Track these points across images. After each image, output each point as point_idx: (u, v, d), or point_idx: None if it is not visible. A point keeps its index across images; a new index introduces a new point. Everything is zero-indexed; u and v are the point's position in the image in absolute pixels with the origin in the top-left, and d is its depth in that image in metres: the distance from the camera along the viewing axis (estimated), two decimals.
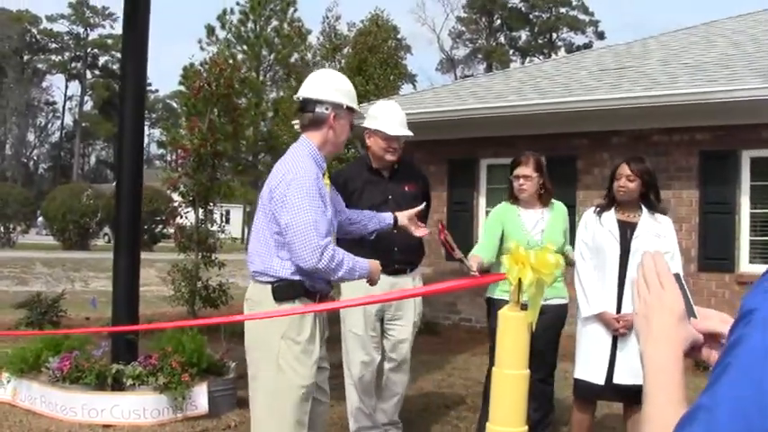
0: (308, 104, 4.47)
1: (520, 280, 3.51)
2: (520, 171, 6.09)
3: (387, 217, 5.06)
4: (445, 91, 15.49)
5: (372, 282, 4.58)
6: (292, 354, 4.30)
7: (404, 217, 5.06)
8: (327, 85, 4.49)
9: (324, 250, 4.18)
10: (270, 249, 4.32)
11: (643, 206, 5.54)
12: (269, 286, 4.33)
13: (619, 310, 5.38)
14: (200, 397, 6.95)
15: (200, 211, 12.55)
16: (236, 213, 69.44)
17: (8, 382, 7.37)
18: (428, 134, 12.93)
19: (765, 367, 1.12)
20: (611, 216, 5.53)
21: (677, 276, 1.48)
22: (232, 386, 7.42)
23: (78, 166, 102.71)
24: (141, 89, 8.07)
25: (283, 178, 4.29)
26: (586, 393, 5.42)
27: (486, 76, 19.28)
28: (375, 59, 18.09)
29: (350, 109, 4.51)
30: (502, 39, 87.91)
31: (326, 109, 4.41)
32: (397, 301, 6.27)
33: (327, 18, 22.18)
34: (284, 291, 4.32)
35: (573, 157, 12.18)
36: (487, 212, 13.17)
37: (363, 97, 17.30)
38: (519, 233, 5.90)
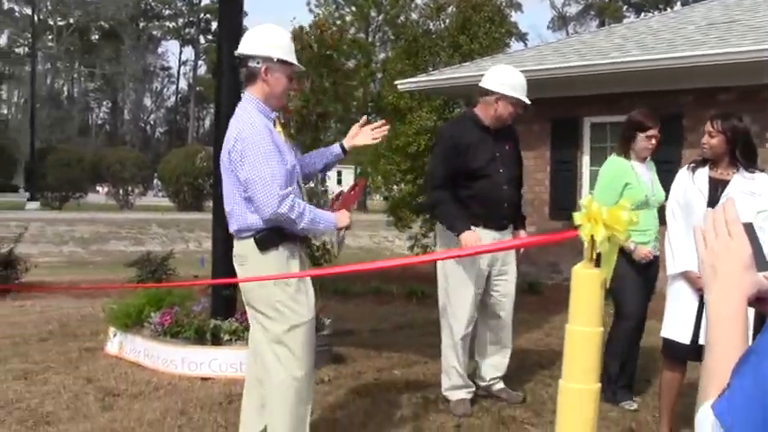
0: (242, 60, 4.60)
1: (592, 237, 3.49)
2: (655, 132, 6.33)
3: (333, 148, 5.09)
4: (548, 49, 15.29)
5: (340, 229, 4.70)
6: (287, 295, 4.48)
7: (350, 138, 5.04)
8: (258, 40, 4.56)
9: (283, 199, 4.32)
10: (242, 206, 4.46)
11: (737, 164, 5.37)
12: (251, 240, 4.48)
13: None
14: None
15: None
16: (348, 174, 69.99)
17: (114, 336, 7.65)
18: (531, 93, 12.77)
19: None
20: (703, 173, 5.42)
21: (748, 225, 1.46)
22: (327, 342, 7.55)
23: (193, 129, 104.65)
24: (236, 47, 8.18)
25: (238, 136, 4.42)
26: (673, 352, 5.37)
27: (591, 33, 18.96)
28: (479, 18, 17.91)
29: (284, 62, 4.55)
30: None
31: (257, 63, 4.51)
32: (503, 256, 6.38)
33: None
34: (265, 240, 4.47)
35: (678, 115, 11.91)
36: (592, 171, 13.08)
37: (468, 56, 17.23)
38: (642, 188, 6.15)
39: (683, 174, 5.56)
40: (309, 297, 4.59)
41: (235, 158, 4.40)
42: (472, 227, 6.04)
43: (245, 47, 4.57)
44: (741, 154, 5.32)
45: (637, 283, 6.15)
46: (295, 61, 4.62)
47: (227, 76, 7.78)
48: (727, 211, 1.46)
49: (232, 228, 4.56)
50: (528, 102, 6.26)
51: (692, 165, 5.53)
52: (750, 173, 5.31)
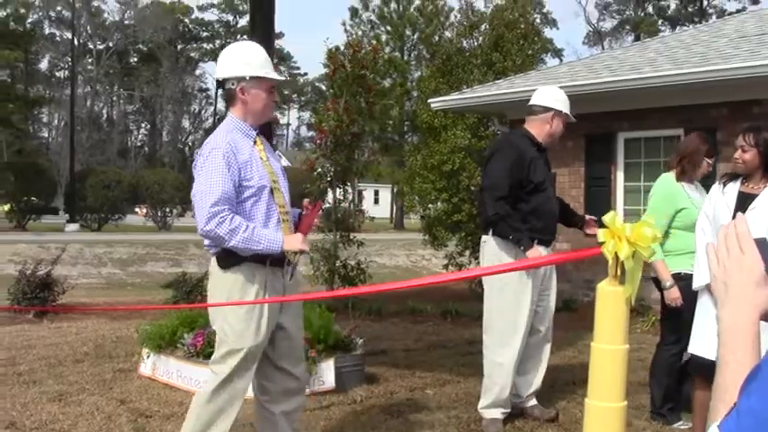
0: (219, 85, 4.67)
1: (616, 254, 3.47)
2: (710, 154, 6.46)
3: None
4: (580, 65, 15.27)
5: (294, 251, 4.56)
6: (236, 317, 4.46)
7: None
8: (228, 61, 4.61)
9: (213, 216, 4.26)
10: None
11: None
12: (214, 257, 4.52)
13: None
14: (327, 373, 7.10)
15: (338, 190, 12.76)
16: (385, 193, 70.13)
17: (148, 357, 7.69)
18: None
19: None
20: (734, 188, 5.36)
21: (761, 241, 1.45)
22: (360, 362, 7.56)
23: None
24: None
25: (200, 153, 4.50)
26: (702, 369, 5.29)
27: (623, 48, 18.94)
28: (512, 35, 17.91)
29: (258, 77, 4.57)
30: (650, 8, 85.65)
31: (232, 84, 4.56)
32: (549, 272, 6.50)
33: None
34: (225, 258, 4.47)
35: (713, 129, 11.80)
36: (626, 187, 13.01)
37: (501, 74, 17.21)
38: (696, 210, 5.98)
39: (714, 188, 5.53)
40: (261, 324, 4.47)
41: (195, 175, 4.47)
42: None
43: (218, 71, 4.62)
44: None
45: (685, 311, 6.06)
46: (270, 74, 4.63)
47: None
48: (738, 226, 1.45)
49: (206, 242, 4.57)
50: (574, 119, 6.55)
51: (724, 179, 5.49)
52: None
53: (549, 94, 6.53)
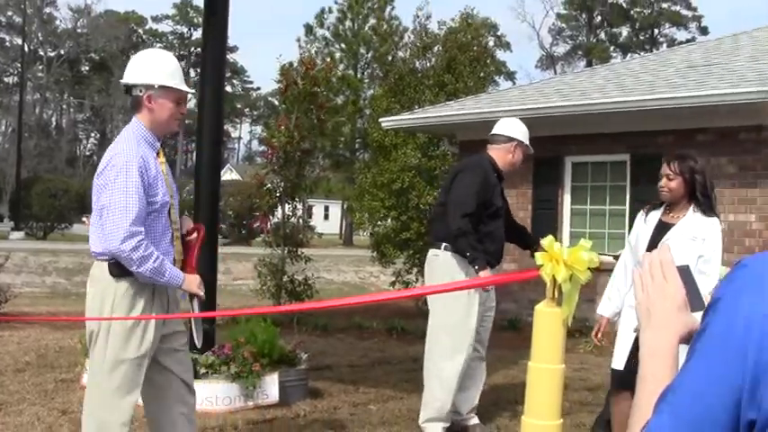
0: (128, 89, 4.54)
1: (554, 276, 3.57)
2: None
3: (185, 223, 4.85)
4: (531, 89, 15.47)
5: (191, 293, 4.57)
6: (122, 329, 4.37)
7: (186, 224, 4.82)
8: (139, 67, 4.52)
9: (130, 237, 4.20)
10: (101, 231, 4.34)
11: (692, 206, 5.33)
12: (106, 263, 4.35)
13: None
14: (271, 386, 7.14)
15: (287, 206, 12.79)
16: (335, 209, 70.14)
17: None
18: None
19: (724, 352, 1.19)
20: (655, 216, 5.44)
21: (684, 269, 1.52)
22: (304, 376, 7.61)
23: (181, 162, 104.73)
24: (220, 85, 8.26)
25: (108, 161, 4.35)
26: (621, 384, 5.37)
27: (573, 74, 19.20)
28: (465, 58, 18.09)
29: (167, 87, 4.49)
30: (602, 35, 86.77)
31: (140, 91, 4.46)
32: (493, 293, 6.65)
33: (418, 17, 22.18)
34: (118, 266, 4.33)
35: (658, 156, 12.01)
36: (573, 210, 13.21)
37: (453, 95, 17.36)
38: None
39: (638, 216, 5.63)
40: (146, 337, 4.39)
41: (100, 183, 4.33)
42: None
43: (128, 75, 4.52)
44: (701, 195, 5.31)
45: None
46: (180, 86, 4.54)
47: (209, 102, 7.85)
48: (661, 254, 1.52)
49: (92, 249, 4.43)
50: (532, 151, 6.80)
51: (647, 207, 5.59)
52: (697, 216, 5.29)
53: (511, 125, 6.73)
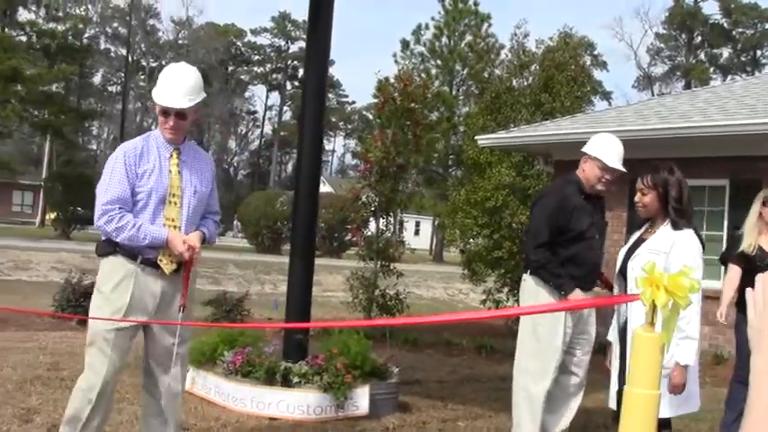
0: None
1: (653, 301, 3.57)
2: None
3: (201, 228, 5.12)
4: (629, 110, 15.35)
5: (178, 254, 4.81)
6: (95, 302, 4.93)
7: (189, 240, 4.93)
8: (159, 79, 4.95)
9: (104, 214, 4.71)
10: None
11: (668, 220, 5.14)
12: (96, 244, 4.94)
13: (623, 328, 5.29)
14: (361, 398, 7.23)
15: (382, 221, 12.89)
16: (426, 225, 70.18)
17: (187, 371, 7.85)
18: None
19: None
20: (637, 234, 5.37)
21: None
22: (394, 390, 7.69)
23: (275, 173, 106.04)
24: (321, 99, 8.36)
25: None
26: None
27: (672, 96, 18.96)
28: (562, 77, 18.01)
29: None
30: (702, 56, 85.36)
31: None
32: (586, 316, 6.53)
33: (516, 35, 22.16)
34: (101, 247, 4.91)
35: (757, 181, 11.85)
36: None
37: (549, 114, 17.31)
38: None
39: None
40: (118, 308, 4.79)
41: None
42: None
43: None
44: (674, 209, 5.12)
45: None
46: (160, 99, 4.85)
47: (310, 114, 8.00)
48: None
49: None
50: (616, 168, 6.22)
51: (639, 225, 5.48)
52: (671, 229, 5.10)
53: (591, 140, 6.43)
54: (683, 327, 4.76)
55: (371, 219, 13.04)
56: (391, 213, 12.94)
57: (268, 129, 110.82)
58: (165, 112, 4.86)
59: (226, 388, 7.37)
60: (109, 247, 4.83)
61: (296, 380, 7.22)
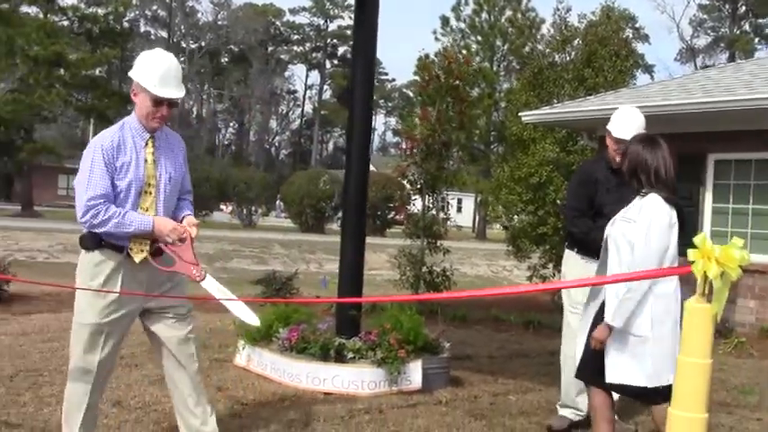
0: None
1: (705, 273, 3.66)
2: None
3: (181, 213, 5.19)
4: (673, 84, 15.28)
5: (161, 239, 4.86)
6: (84, 296, 4.91)
7: (186, 221, 5.11)
8: (136, 63, 4.92)
9: (88, 208, 4.69)
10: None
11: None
12: (80, 237, 4.94)
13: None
14: (414, 373, 7.37)
15: (428, 198, 13.00)
16: (468, 202, 70.12)
17: (243, 348, 8.04)
18: (655, 128, 12.79)
19: None
20: None
21: None
22: (446, 365, 7.81)
23: (317, 152, 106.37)
24: (370, 78, 8.42)
25: (89, 143, 4.91)
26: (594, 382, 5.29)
27: (717, 68, 18.80)
28: (605, 51, 17.98)
29: (143, 87, 4.86)
30: (746, 26, 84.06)
31: (134, 83, 4.90)
32: None
33: (558, 10, 22.09)
34: (85, 240, 4.89)
35: None
36: (714, 208, 13.03)
37: (593, 89, 17.30)
38: None
39: None
40: (106, 304, 4.87)
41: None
42: None
43: (132, 69, 4.95)
44: (644, 178, 5.07)
45: None
46: (155, 89, 4.83)
47: (359, 93, 8.10)
48: None
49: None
50: (620, 138, 6.18)
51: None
52: (641, 197, 5.08)
53: (612, 116, 6.46)
54: (623, 289, 4.86)
55: (417, 196, 13.14)
56: (437, 191, 13.04)
57: (308, 108, 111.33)
58: (159, 101, 4.86)
59: (281, 364, 7.53)
60: (92, 240, 4.86)
61: (350, 355, 7.38)
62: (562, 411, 6.71)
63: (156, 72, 4.83)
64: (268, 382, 7.51)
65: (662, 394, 4.92)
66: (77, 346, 4.94)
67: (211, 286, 5.17)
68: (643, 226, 4.90)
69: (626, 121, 6.31)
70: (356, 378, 7.22)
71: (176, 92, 4.90)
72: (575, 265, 6.61)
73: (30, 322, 10.33)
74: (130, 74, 4.92)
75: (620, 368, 4.97)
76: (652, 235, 4.88)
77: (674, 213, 5.00)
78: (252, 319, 5.31)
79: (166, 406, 6.53)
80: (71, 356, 5.00)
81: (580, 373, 5.36)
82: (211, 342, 9.33)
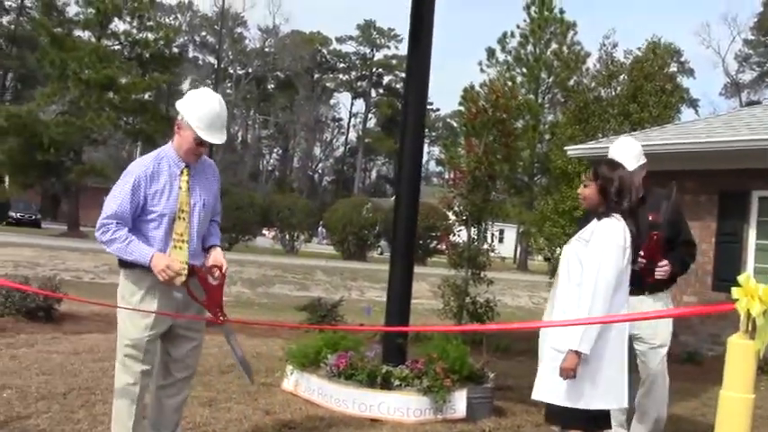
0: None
1: (749, 310, 3.79)
2: None
3: (208, 243, 5.43)
4: (718, 121, 15.34)
5: (160, 274, 4.99)
6: (125, 312, 5.16)
7: (213, 256, 5.33)
8: (186, 97, 5.14)
9: (101, 225, 4.99)
10: None
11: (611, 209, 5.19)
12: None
13: None
14: (459, 401, 7.50)
15: (473, 229, 13.11)
16: (510, 233, 69.98)
17: (291, 373, 8.22)
18: (699, 164, 12.97)
19: None
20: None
21: None
22: (489, 394, 7.93)
23: (359, 180, 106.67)
24: (422, 109, 8.64)
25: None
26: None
27: (762, 106, 18.79)
28: (651, 87, 18.09)
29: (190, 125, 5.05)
30: None
31: (180, 117, 5.09)
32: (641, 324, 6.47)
33: (604, 45, 22.23)
34: (121, 259, 5.10)
35: None
36: (758, 245, 13.06)
37: (638, 125, 17.43)
38: None
39: None
40: (143, 322, 5.11)
41: None
42: None
43: (179, 101, 5.16)
44: (614, 201, 5.15)
45: None
46: (202, 132, 5.03)
47: (411, 123, 8.28)
48: None
49: None
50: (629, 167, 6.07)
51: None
52: (598, 219, 5.15)
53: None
54: (578, 311, 4.93)
55: (462, 227, 13.26)
56: (483, 223, 13.14)
57: (353, 135, 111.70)
58: (201, 143, 5.09)
59: (329, 390, 7.68)
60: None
61: (396, 383, 7.52)
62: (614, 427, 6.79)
63: (205, 116, 5.05)
64: (315, 407, 7.66)
65: (592, 419, 5.12)
66: (121, 363, 5.21)
67: (228, 333, 5.48)
68: (596, 247, 5.00)
69: (619, 150, 6.52)
70: (402, 405, 7.36)
71: (220, 137, 5.13)
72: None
73: (80, 341, 10.55)
74: (178, 107, 5.12)
75: (552, 386, 5.12)
76: (605, 257, 4.96)
77: (627, 236, 5.10)
78: (249, 375, 5.82)
79: (216, 427, 6.74)
80: (116, 373, 5.27)
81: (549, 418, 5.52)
82: (258, 367, 9.47)
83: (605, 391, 5.10)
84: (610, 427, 5.36)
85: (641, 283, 6.19)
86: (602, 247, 4.99)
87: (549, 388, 5.15)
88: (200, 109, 5.05)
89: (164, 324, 5.21)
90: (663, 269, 6.26)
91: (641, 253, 6.08)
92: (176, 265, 5.00)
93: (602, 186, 5.14)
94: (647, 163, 6.60)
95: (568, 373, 4.92)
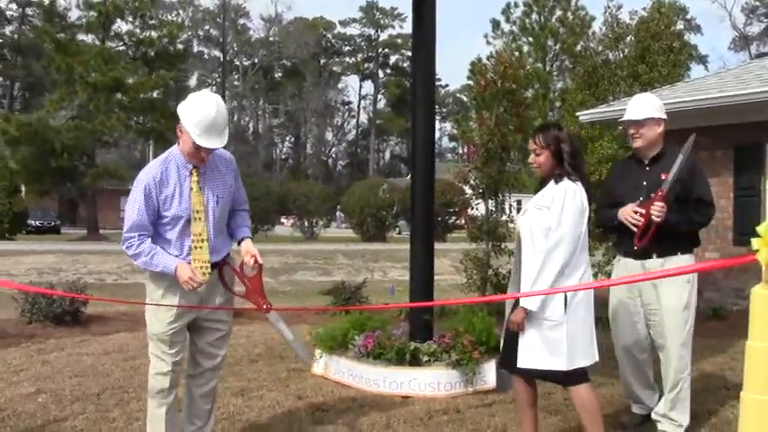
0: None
1: None
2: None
3: (238, 235, 5.53)
4: (729, 75, 15.27)
5: (184, 285, 5.08)
6: (150, 308, 5.31)
7: (245, 248, 5.41)
8: (187, 101, 5.10)
9: (125, 240, 5.11)
10: None
11: (567, 174, 5.22)
12: None
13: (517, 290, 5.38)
14: (488, 373, 7.55)
15: (490, 202, 13.12)
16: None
17: (321, 357, 8.27)
18: (712, 120, 12.90)
19: None
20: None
21: None
22: None
23: (374, 161, 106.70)
24: (431, 85, 8.67)
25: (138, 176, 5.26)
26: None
27: None
28: (658, 47, 18.01)
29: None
30: None
31: (180, 122, 5.06)
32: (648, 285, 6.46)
33: (609, 8, 22.13)
34: None
35: None
36: None
37: (648, 85, 17.38)
38: None
39: None
40: (168, 314, 5.24)
41: None
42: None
43: (180, 105, 5.13)
44: (569, 164, 5.19)
45: None
46: (198, 138, 4.98)
47: (420, 100, 8.31)
48: None
49: None
50: (625, 119, 6.19)
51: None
52: (553, 183, 5.19)
53: None
54: (535, 272, 5.05)
55: (480, 200, 13.26)
56: (499, 194, 13.14)
57: (363, 118, 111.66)
58: (200, 147, 5.09)
59: (359, 370, 7.76)
60: None
61: (425, 359, 7.59)
62: (634, 408, 6.85)
63: (201, 122, 4.99)
64: (346, 388, 7.73)
65: (574, 376, 5.35)
66: (152, 357, 5.35)
67: (276, 319, 5.54)
68: (556, 212, 5.07)
69: (636, 104, 6.32)
70: (433, 380, 7.42)
71: (218, 142, 5.09)
72: (616, 262, 6.82)
73: (109, 342, 10.63)
74: (179, 111, 5.08)
75: (535, 354, 5.23)
76: (565, 220, 5.05)
77: (585, 198, 5.18)
78: (306, 356, 5.96)
79: (250, 415, 6.81)
80: (149, 368, 5.39)
81: (503, 364, 5.73)
82: (288, 353, 9.50)
83: (584, 350, 5.44)
84: (587, 380, 5.63)
85: (650, 245, 6.02)
86: (562, 211, 5.07)
87: (533, 356, 5.33)
88: (196, 115, 5.01)
89: (187, 316, 5.30)
90: (657, 209, 5.86)
91: (641, 211, 5.94)
92: (199, 277, 5.08)
93: (555, 151, 5.21)
94: (662, 119, 6.29)
95: (513, 325, 5.31)
